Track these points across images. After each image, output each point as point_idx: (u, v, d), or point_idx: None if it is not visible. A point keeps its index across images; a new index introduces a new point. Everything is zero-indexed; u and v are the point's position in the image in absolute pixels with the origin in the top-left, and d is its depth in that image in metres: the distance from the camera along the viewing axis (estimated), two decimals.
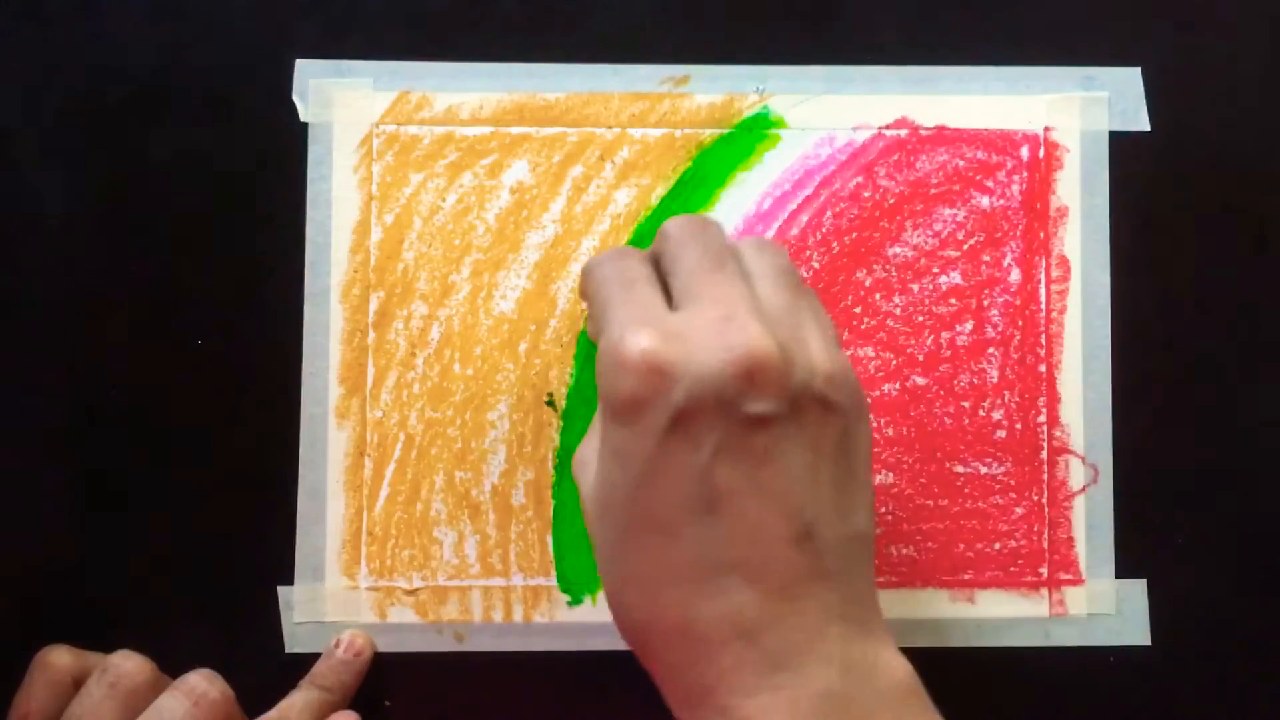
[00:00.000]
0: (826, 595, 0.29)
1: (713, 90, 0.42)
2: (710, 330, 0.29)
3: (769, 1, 0.42)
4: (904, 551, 0.41)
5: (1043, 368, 0.41)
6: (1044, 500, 0.41)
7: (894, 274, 0.41)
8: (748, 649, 0.29)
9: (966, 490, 0.41)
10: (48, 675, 0.36)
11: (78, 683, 0.36)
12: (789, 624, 0.29)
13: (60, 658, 0.36)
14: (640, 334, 0.29)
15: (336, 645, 0.39)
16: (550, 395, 0.41)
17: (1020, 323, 0.41)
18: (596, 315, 0.32)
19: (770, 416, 0.29)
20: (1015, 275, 0.41)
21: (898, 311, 0.41)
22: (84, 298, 0.41)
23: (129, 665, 0.36)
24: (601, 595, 0.40)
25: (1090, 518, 0.41)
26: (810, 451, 0.29)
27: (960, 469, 0.41)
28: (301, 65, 0.41)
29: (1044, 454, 0.41)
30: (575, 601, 0.40)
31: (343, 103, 0.41)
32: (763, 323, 0.29)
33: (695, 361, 0.28)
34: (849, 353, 0.41)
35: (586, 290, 0.33)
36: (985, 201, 0.42)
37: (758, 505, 0.29)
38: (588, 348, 0.41)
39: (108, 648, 0.37)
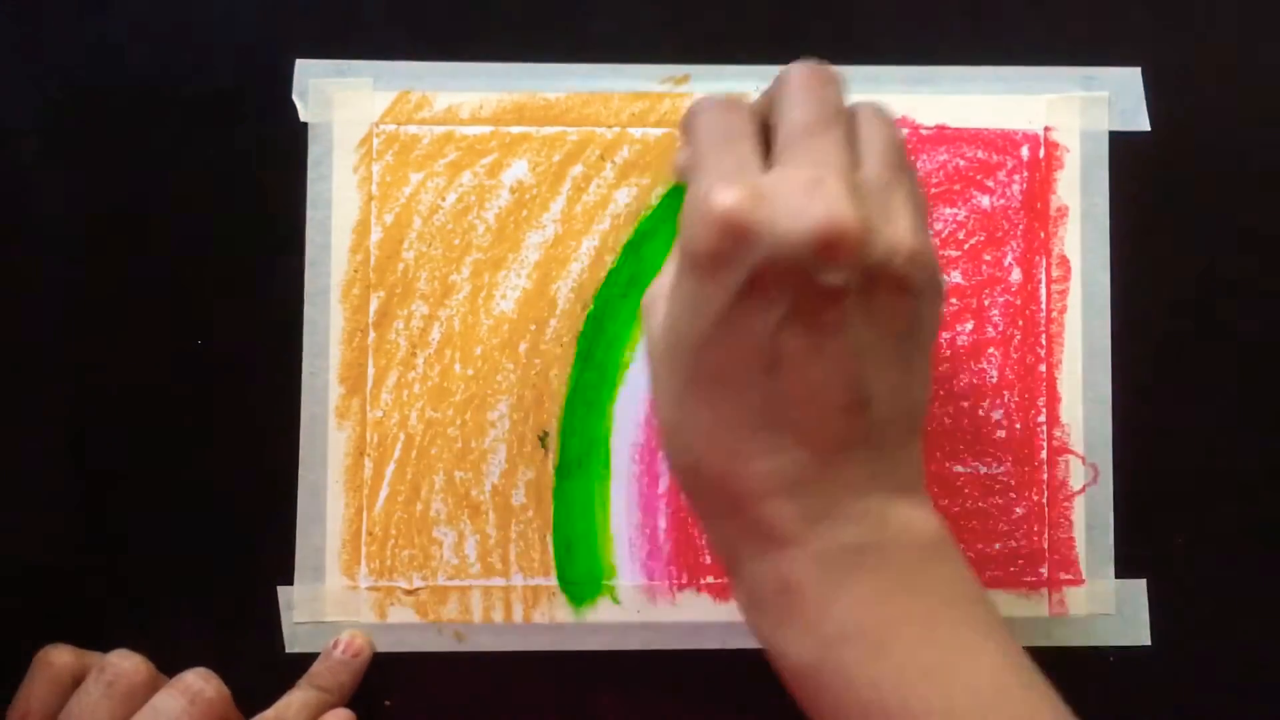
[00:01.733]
0: (871, 461, 0.30)
1: (713, 90, 0.42)
2: (798, 194, 0.28)
3: (769, 1, 0.42)
4: None
5: (1043, 368, 0.41)
6: (1044, 500, 0.41)
7: None
8: (788, 502, 0.30)
9: (966, 490, 0.41)
10: (48, 674, 0.36)
11: (77, 681, 0.36)
12: (830, 484, 0.30)
13: (61, 656, 0.37)
14: (728, 191, 0.28)
15: (335, 645, 0.39)
16: (544, 434, 0.41)
17: (1020, 322, 0.41)
18: (692, 161, 0.31)
19: (843, 289, 0.29)
20: (1015, 275, 0.41)
21: None
22: (84, 298, 0.41)
23: (126, 665, 0.36)
24: (603, 598, 0.40)
25: (1090, 518, 0.41)
26: (878, 328, 0.30)
27: (960, 469, 0.41)
28: (301, 65, 0.41)
29: (1044, 454, 0.41)
30: (577, 605, 0.40)
31: (343, 103, 0.41)
32: (852, 193, 0.29)
33: (777, 226, 0.28)
34: None
35: (687, 131, 0.32)
36: (985, 201, 0.42)
37: (819, 372, 0.29)
38: (587, 348, 0.41)
39: (107, 647, 0.37)
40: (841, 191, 0.28)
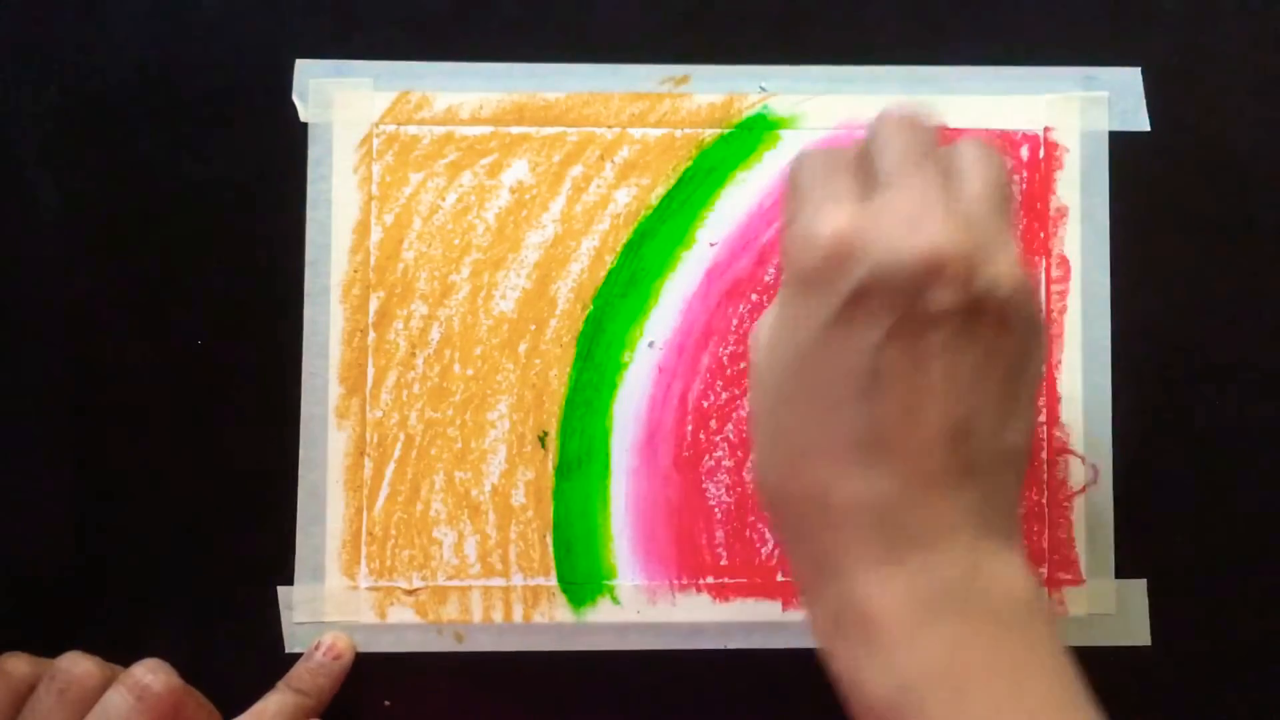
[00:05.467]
0: (968, 497, 0.30)
1: (713, 90, 0.42)
2: (903, 221, 0.29)
3: (769, 1, 0.42)
4: None
5: (1043, 368, 0.41)
6: (1044, 500, 0.41)
7: None
8: (879, 530, 0.29)
9: None
10: (3, 683, 0.36)
11: (34, 690, 0.36)
12: (925, 514, 0.29)
13: (17, 666, 0.36)
14: (835, 213, 0.29)
15: (317, 647, 0.39)
16: (544, 434, 0.41)
17: None
18: (795, 197, 0.32)
19: (946, 315, 0.29)
20: None
21: None
22: (84, 298, 0.41)
23: (77, 671, 0.36)
24: (603, 598, 0.40)
25: (1090, 518, 0.41)
26: (980, 359, 0.29)
27: None
28: (301, 65, 0.41)
29: (1044, 454, 0.41)
30: (577, 605, 0.40)
31: (343, 103, 0.41)
32: (956, 224, 0.29)
33: (883, 246, 0.28)
34: None
35: (792, 173, 0.33)
36: None
37: (920, 395, 0.29)
38: (587, 348, 0.41)
39: (107, 647, 0.38)
40: (947, 218, 0.29)
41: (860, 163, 0.32)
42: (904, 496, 0.29)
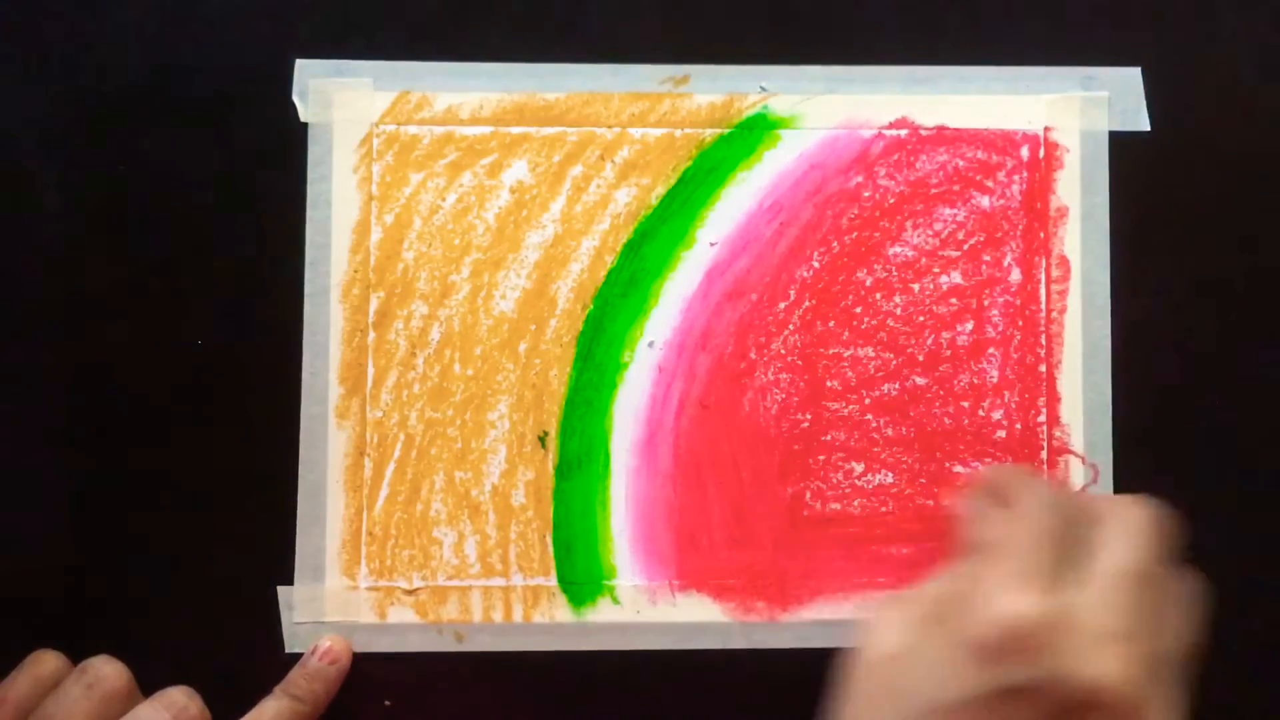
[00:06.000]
0: None
1: (713, 90, 0.42)
2: (1104, 642, 0.28)
3: (769, 1, 0.42)
4: (904, 551, 0.41)
5: (1043, 368, 0.41)
6: None
7: (894, 274, 0.41)
8: None
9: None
10: (33, 671, 0.37)
11: (61, 684, 0.37)
12: None
13: (50, 661, 0.37)
14: (1025, 597, 0.28)
15: (314, 651, 0.39)
16: (544, 434, 0.41)
17: (1020, 323, 0.41)
18: (988, 545, 0.30)
19: None
20: (1015, 275, 0.41)
21: (898, 311, 0.41)
22: (84, 298, 0.41)
23: (107, 669, 0.37)
24: (603, 598, 0.40)
25: None
26: None
27: (960, 469, 0.41)
28: (301, 65, 0.41)
29: (1044, 454, 0.41)
30: (577, 605, 0.40)
31: (343, 103, 0.41)
32: (1150, 669, 0.28)
33: (1070, 660, 0.27)
34: (849, 353, 0.41)
35: (1000, 498, 0.31)
36: (985, 201, 0.42)
37: None
38: (587, 348, 0.41)
39: (105, 647, 0.38)
40: (1147, 660, 0.28)
41: (1072, 529, 0.30)
42: None
